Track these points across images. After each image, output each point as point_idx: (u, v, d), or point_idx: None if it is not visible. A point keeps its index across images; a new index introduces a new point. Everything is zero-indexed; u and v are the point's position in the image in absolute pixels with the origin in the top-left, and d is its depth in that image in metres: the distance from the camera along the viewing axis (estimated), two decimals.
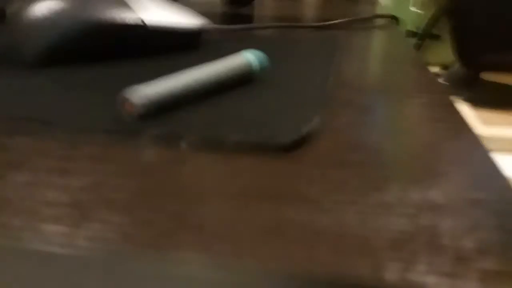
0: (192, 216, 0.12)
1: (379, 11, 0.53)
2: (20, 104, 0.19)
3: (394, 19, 0.44)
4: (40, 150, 0.16)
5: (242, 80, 0.22)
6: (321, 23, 0.39)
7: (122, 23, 0.26)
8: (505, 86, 0.63)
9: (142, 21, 0.26)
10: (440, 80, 0.67)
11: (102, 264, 0.11)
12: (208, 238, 0.11)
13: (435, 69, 0.71)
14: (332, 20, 0.40)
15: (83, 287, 0.11)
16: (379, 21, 0.44)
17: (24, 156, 0.15)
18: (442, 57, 0.74)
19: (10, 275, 0.11)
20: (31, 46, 0.24)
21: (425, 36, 0.73)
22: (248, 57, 0.22)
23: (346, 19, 0.40)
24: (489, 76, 0.64)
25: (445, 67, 0.67)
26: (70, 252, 0.11)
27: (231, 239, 0.11)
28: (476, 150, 0.16)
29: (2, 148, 0.16)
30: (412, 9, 0.77)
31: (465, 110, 0.61)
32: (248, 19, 0.46)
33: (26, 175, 0.14)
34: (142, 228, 0.12)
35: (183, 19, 0.29)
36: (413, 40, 0.75)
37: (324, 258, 0.10)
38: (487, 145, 0.16)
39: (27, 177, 0.14)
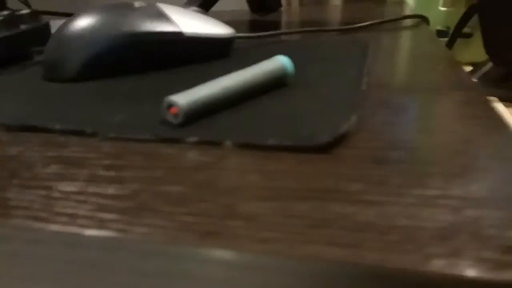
0: (243, 209, 0.13)
1: (406, 11, 0.53)
2: (66, 117, 0.20)
3: (423, 19, 0.44)
4: (90, 160, 0.17)
5: (276, 84, 0.22)
6: (350, 26, 0.39)
7: (162, 34, 0.27)
8: None
9: (180, 32, 0.28)
10: (473, 79, 0.66)
11: (162, 250, 0.12)
12: (260, 227, 0.12)
13: (467, 68, 0.69)
14: (360, 23, 0.40)
15: (145, 271, 0.12)
16: (408, 22, 0.44)
17: (78, 165, 0.16)
18: (473, 56, 0.73)
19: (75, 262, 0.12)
20: (73, 60, 0.26)
21: (456, 35, 0.72)
22: (282, 61, 0.23)
23: (375, 21, 0.41)
24: None
25: (476, 65, 0.66)
26: (130, 238, 0.12)
27: (281, 229, 0.12)
28: None
29: (57, 159, 0.17)
30: (441, 8, 0.76)
31: (499, 107, 0.60)
32: (276, 25, 0.46)
33: (80, 185, 0.15)
34: (198, 218, 0.12)
35: (215, 28, 0.30)
36: (444, 39, 0.74)
37: (371, 249, 0.11)
38: None
39: (79, 183, 0.15)
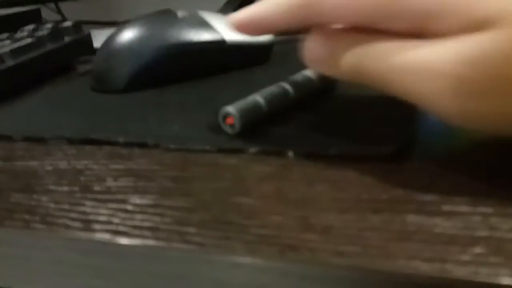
0: (318, 221, 0.13)
1: None
2: (125, 129, 0.20)
3: None
4: (150, 172, 0.17)
5: (325, 89, 0.23)
6: None
7: (206, 43, 0.27)
8: None
9: (223, 40, 0.28)
10: None
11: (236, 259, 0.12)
12: (337, 241, 0.12)
13: None
14: None
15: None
16: None
17: (146, 178, 0.17)
18: None
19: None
20: (122, 72, 0.26)
21: None
22: None
23: None
24: None
25: None
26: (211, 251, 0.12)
27: (359, 242, 0.12)
28: None
29: (125, 172, 0.18)
30: None
31: None
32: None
33: (148, 197, 0.16)
34: (273, 231, 0.12)
35: None
36: None
37: (457, 260, 0.11)
38: None
39: (152, 196, 0.15)
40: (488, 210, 0.13)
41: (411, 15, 0.13)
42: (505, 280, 0.10)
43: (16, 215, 0.15)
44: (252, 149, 0.17)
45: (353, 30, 0.15)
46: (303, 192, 0.15)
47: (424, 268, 0.11)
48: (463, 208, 0.13)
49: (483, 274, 0.10)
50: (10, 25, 0.46)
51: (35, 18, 0.52)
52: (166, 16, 0.29)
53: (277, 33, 0.19)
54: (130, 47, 0.27)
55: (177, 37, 0.27)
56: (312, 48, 0.15)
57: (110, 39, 0.28)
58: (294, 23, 0.15)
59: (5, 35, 0.35)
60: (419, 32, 0.13)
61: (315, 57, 0.16)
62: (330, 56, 0.15)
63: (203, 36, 0.28)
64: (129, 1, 0.51)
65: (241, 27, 0.17)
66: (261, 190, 0.15)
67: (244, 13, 0.16)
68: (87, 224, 0.14)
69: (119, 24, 0.45)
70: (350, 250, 0.12)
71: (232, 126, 0.19)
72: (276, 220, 0.13)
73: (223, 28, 0.29)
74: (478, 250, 0.11)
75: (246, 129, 0.19)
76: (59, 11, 0.61)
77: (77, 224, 0.14)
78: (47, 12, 0.60)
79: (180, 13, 0.29)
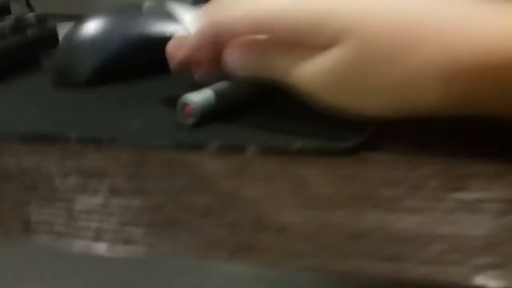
0: (275, 220, 0.12)
1: None
2: (81, 124, 0.19)
3: None
4: (109, 169, 0.16)
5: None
6: None
7: (170, 35, 0.26)
8: None
9: (189, 32, 0.27)
10: None
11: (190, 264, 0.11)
12: (293, 240, 0.11)
13: None
14: None
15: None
16: None
17: (99, 176, 0.16)
18: None
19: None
20: (84, 65, 0.25)
21: None
22: None
23: None
24: None
25: None
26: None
27: (315, 241, 0.11)
28: None
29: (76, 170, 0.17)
30: None
31: None
32: None
33: (98, 195, 0.15)
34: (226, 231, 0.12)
35: None
36: None
37: (412, 259, 0.10)
38: None
39: (101, 196, 0.14)
40: (450, 205, 0.12)
41: (286, 35, 0.16)
42: (464, 279, 0.10)
43: None
44: (212, 144, 0.17)
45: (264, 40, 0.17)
46: (260, 189, 0.14)
47: (379, 268, 0.10)
48: (424, 204, 0.12)
49: (442, 272, 0.10)
50: None
51: (3, 12, 0.50)
52: (131, 8, 0.28)
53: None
54: (93, 39, 0.26)
55: (141, 30, 0.26)
56: (229, 54, 0.18)
57: (72, 32, 0.26)
58: (207, 47, 0.19)
59: None
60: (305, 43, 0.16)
61: (232, 61, 0.18)
62: (242, 60, 0.18)
63: (168, 28, 0.27)
64: None
65: (179, 71, 0.20)
66: (218, 187, 0.14)
67: (176, 58, 0.20)
68: (29, 226, 0.13)
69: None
70: (305, 249, 0.11)
71: (190, 115, 0.18)
72: (229, 219, 0.12)
73: (189, 19, 0.28)
74: (438, 247, 0.11)
75: (205, 119, 0.18)
76: (28, 5, 0.59)
77: (19, 226, 0.13)
78: (17, 7, 0.58)
79: (146, 5, 0.28)
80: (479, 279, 0.09)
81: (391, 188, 0.13)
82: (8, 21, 0.33)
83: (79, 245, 0.12)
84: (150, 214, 0.13)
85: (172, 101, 0.21)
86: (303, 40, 0.16)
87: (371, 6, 0.15)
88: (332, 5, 0.16)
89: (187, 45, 0.20)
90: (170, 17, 0.27)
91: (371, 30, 0.15)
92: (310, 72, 0.16)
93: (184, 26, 0.27)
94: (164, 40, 0.27)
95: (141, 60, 0.26)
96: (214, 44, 0.18)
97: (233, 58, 0.18)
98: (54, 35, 0.36)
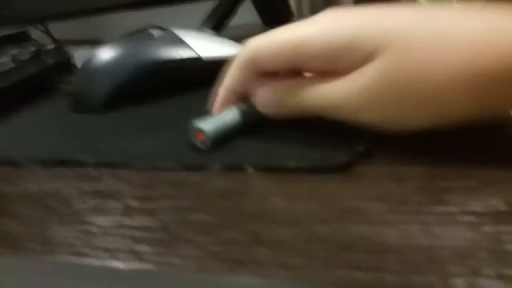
0: (269, 235, 0.13)
1: None
2: (97, 149, 0.21)
3: None
4: (121, 192, 0.18)
5: None
6: None
7: (181, 60, 0.28)
8: None
9: (199, 57, 0.29)
10: None
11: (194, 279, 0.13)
12: (285, 254, 0.12)
13: None
14: None
15: None
16: None
17: (113, 198, 0.17)
18: None
19: None
20: (99, 92, 0.27)
21: None
22: None
23: None
24: None
25: None
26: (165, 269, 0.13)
27: (305, 254, 0.12)
28: None
29: (89, 193, 0.18)
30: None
31: None
32: None
33: (113, 216, 0.16)
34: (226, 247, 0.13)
35: (232, 49, 0.31)
36: None
37: (393, 269, 0.11)
38: None
39: (116, 217, 0.16)
40: (431, 218, 0.13)
41: (321, 57, 0.17)
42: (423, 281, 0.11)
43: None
44: (215, 166, 0.18)
45: (288, 77, 0.19)
46: (258, 207, 0.15)
47: (361, 277, 0.11)
48: (406, 217, 0.13)
49: (417, 283, 0.11)
50: None
51: (22, 39, 0.53)
52: (142, 35, 0.30)
53: None
54: (107, 67, 0.27)
55: (153, 56, 0.28)
56: (261, 96, 0.20)
57: (88, 60, 0.28)
58: (246, 81, 0.20)
59: None
60: (334, 70, 0.17)
61: (265, 103, 0.20)
62: (276, 101, 0.19)
63: (179, 53, 0.28)
64: (116, 20, 0.52)
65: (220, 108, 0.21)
66: (219, 206, 0.15)
67: (217, 102, 0.21)
68: (51, 247, 0.15)
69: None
70: (296, 262, 0.12)
71: (202, 142, 0.19)
72: (229, 235, 0.14)
73: (199, 45, 0.30)
74: (414, 258, 0.12)
75: (215, 144, 0.19)
76: (47, 31, 0.62)
77: (41, 247, 0.15)
78: (36, 32, 0.61)
79: (156, 32, 0.30)
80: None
81: (376, 203, 0.14)
82: (28, 49, 0.35)
83: (96, 263, 0.13)
84: (158, 233, 0.14)
85: (180, 123, 0.23)
86: (338, 61, 0.17)
87: (405, 20, 0.16)
88: (366, 23, 0.16)
89: (226, 78, 0.21)
90: (180, 42, 0.29)
91: (408, 42, 0.15)
92: (348, 92, 0.16)
93: (194, 51, 0.29)
94: (173, 64, 0.28)
95: (152, 84, 0.28)
96: (251, 74, 0.19)
97: (266, 98, 0.19)
98: (69, 61, 0.38)
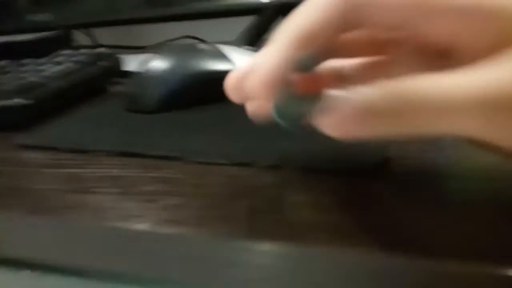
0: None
1: None
2: (156, 144, 0.25)
3: None
4: (178, 179, 0.21)
5: None
6: None
7: (222, 72, 0.32)
8: None
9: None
10: None
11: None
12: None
13: None
14: None
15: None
16: None
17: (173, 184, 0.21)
18: None
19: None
20: (153, 95, 0.31)
21: None
22: None
23: None
24: None
25: None
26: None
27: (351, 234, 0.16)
28: None
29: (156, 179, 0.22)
30: None
31: None
32: None
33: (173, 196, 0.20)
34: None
35: None
36: None
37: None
38: None
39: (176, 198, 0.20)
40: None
41: (453, 14, 0.12)
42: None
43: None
44: (259, 163, 0.22)
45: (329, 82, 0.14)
46: (299, 196, 0.19)
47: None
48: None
49: None
50: (40, 48, 0.51)
51: (65, 41, 0.58)
52: (189, 48, 0.34)
53: None
54: (161, 74, 0.31)
55: (199, 67, 0.32)
56: (336, 110, 0.13)
57: (143, 67, 0.32)
58: (331, 33, 0.14)
59: (44, 59, 0.40)
60: (450, 43, 0.12)
61: (343, 120, 0.13)
62: (368, 113, 0.12)
63: (220, 66, 0.32)
64: (152, 28, 0.57)
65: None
66: (261, 194, 0.19)
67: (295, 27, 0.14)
68: (126, 218, 0.18)
69: (145, 49, 0.50)
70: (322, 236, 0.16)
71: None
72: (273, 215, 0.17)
73: (238, 59, 0.33)
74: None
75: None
76: (89, 35, 0.66)
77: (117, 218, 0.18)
78: (77, 34, 0.65)
79: (200, 46, 0.34)
80: None
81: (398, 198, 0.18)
82: (83, 55, 0.40)
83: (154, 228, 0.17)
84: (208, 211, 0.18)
85: (223, 127, 0.27)
86: (470, 27, 0.12)
87: None
88: None
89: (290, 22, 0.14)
90: (221, 55, 0.33)
91: None
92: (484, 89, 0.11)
93: (234, 64, 0.33)
94: (216, 76, 0.32)
95: (198, 93, 0.32)
96: (342, 25, 0.13)
97: (344, 113, 0.13)
98: (118, 65, 0.42)
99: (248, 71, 0.15)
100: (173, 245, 0.17)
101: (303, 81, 0.14)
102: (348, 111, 0.12)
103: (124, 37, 0.60)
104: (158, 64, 0.32)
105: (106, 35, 0.62)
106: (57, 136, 0.28)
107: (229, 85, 0.18)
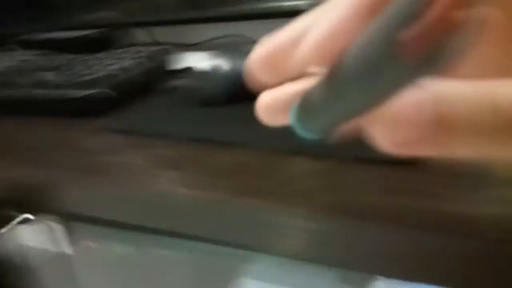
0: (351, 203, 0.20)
1: None
2: (222, 131, 0.29)
3: None
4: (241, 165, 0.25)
5: None
6: None
7: None
8: None
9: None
10: None
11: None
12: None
13: None
14: None
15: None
16: None
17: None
18: None
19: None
20: (212, 89, 0.35)
21: None
22: None
23: None
24: None
25: None
26: None
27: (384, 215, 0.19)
28: None
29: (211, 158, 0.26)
30: None
31: None
32: None
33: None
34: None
35: None
36: None
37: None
38: None
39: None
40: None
41: None
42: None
43: None
44: (307, 152, 0.25)
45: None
46: (342, 179, 0.22)
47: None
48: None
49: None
50: (100, 43, 0.56)
51: (105, 43, 0.61)
52: (234, 48, 0.38)
53: None
54: (220, 72, 0.36)
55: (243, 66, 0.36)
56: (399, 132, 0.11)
57: (201, 65, 0.37)
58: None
59: (110, 53, 0.44)
60: None
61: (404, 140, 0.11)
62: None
63: None
64: (196, 28, 0.61)
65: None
66: (307, 179, 0.23)
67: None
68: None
69: (195, 47, 0.54)
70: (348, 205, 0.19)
71: None
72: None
73: None
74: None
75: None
76: (150, 34, 0.69)
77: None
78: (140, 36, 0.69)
79: (244, 47, 0.38)
80: None
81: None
82: (145, 51, 0.44)
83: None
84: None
85: None
86: None
87: None
88: None
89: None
90: None
91: None
92: None
93: None
94: None
95: (244, 89, 0.36)
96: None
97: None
98: (173, 61, 0.46)
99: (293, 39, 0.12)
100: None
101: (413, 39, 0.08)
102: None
103: (174, 35, 0.64)
104: (221, 61, 0.36)
105: (159, 33, 0.66)
106: (139, 121, 0.33)
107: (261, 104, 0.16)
